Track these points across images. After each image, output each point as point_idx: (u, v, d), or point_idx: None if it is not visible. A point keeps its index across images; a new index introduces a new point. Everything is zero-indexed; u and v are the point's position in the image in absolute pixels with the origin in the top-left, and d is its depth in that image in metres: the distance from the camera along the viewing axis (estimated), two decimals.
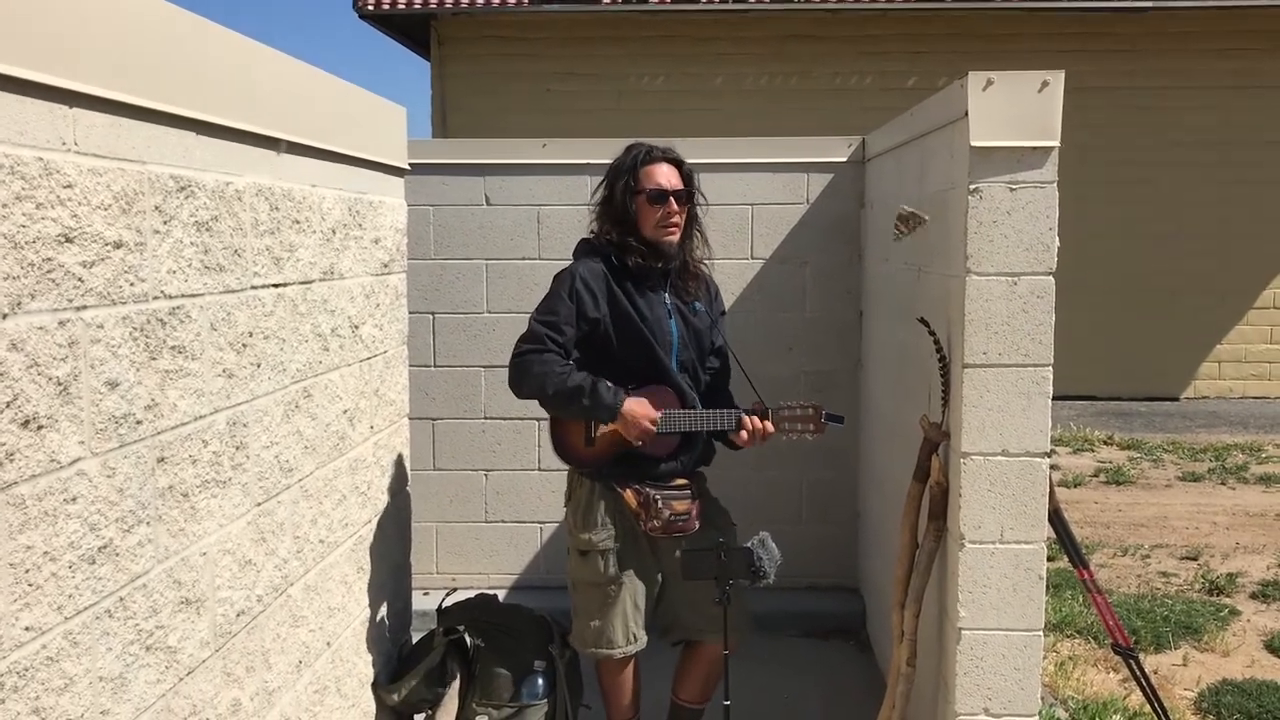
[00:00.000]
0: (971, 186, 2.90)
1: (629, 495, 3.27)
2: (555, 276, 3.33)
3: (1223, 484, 8.24)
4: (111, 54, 2.06)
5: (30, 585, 1.84)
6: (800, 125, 10.66)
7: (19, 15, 1.80)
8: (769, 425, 3.28)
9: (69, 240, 1.93)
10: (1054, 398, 2.99)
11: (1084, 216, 11.08)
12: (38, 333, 1.85)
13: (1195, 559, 6.34)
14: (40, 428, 1.86)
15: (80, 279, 1.96)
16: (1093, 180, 11.47)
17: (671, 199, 3.26)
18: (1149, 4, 11.36)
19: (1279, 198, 11.92)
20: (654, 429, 3.19)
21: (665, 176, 3.28)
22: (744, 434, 3.26)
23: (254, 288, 2.67)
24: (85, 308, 1.98)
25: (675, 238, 3.29)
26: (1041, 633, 3.04)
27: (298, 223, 2.94)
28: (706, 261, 3.50)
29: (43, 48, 1.85)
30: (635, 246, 3.27)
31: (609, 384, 3.18)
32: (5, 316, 1.77)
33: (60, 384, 1.91)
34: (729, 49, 12.15)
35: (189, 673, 2.37)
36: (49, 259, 1.88)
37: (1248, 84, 11.83)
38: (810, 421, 3.30)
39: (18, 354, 1.80)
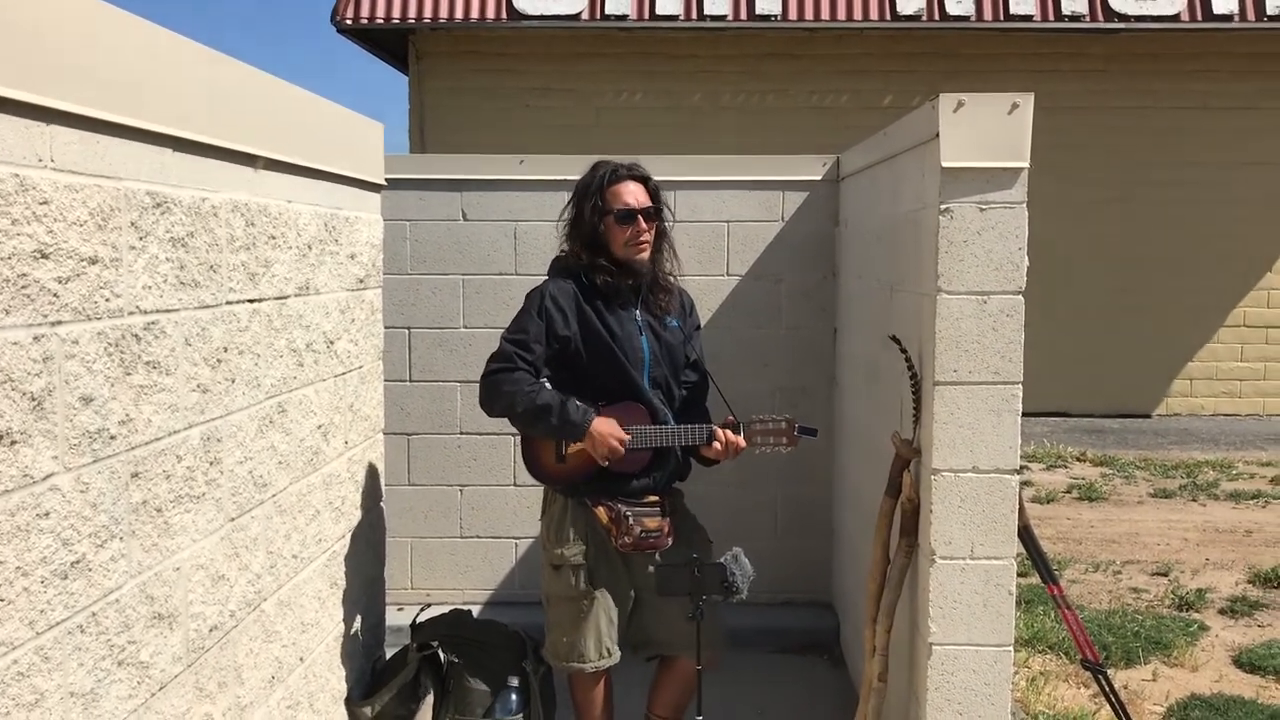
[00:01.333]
0: (942, 206, 2.94)
1: (600, 511, 3.28)
2: (527, 295, 3.35)
3: (1193, 500, 8.31)
4: (88, 71, 2.07)
5: (2, 600, 1.84)
6: (777, 143, 10.72)
7: None
8: (740, 439, 3.30)
9: (44, 256, 1.94)
10: (1027, 414, 3.03)
11: (1056, 235, 11.18)
12: (12, 348, 1.85)
13: (1166, 575, 6.40)
14: (13, 443, 1.86)
15: (55, 294, 1.97)
16: (1065, 199, 11.58)
17: (640, 217, 3.28)
18: (1120, 25, 11.50)
19: (1249, 217, 12.06)
20: (621, 450, 3.20)
21: (633, 195, 3.30)
22: (716, 446, 3.28)
23: (229, 303, 2.68)
24: (60, 323, 1.99)
25: (646, 255, 3.32)
26: (1012, 648, 3.07)
27: (273, 238, 2.95)
28: (681, 277, 3.52)
29: (19, 65, 1.86)
30: (605, 266, 3.29)
31: (578, 403, 3.20)
32: None
33: (34, 399, 1.91)
34: (706, 67, 12.22)
35: (161, 688, 2.37)
36: (24, 274, 1.88)
37: (1217, 105, 11.99)
38: (783, 435, 3.33)
39: None
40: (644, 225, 3.29)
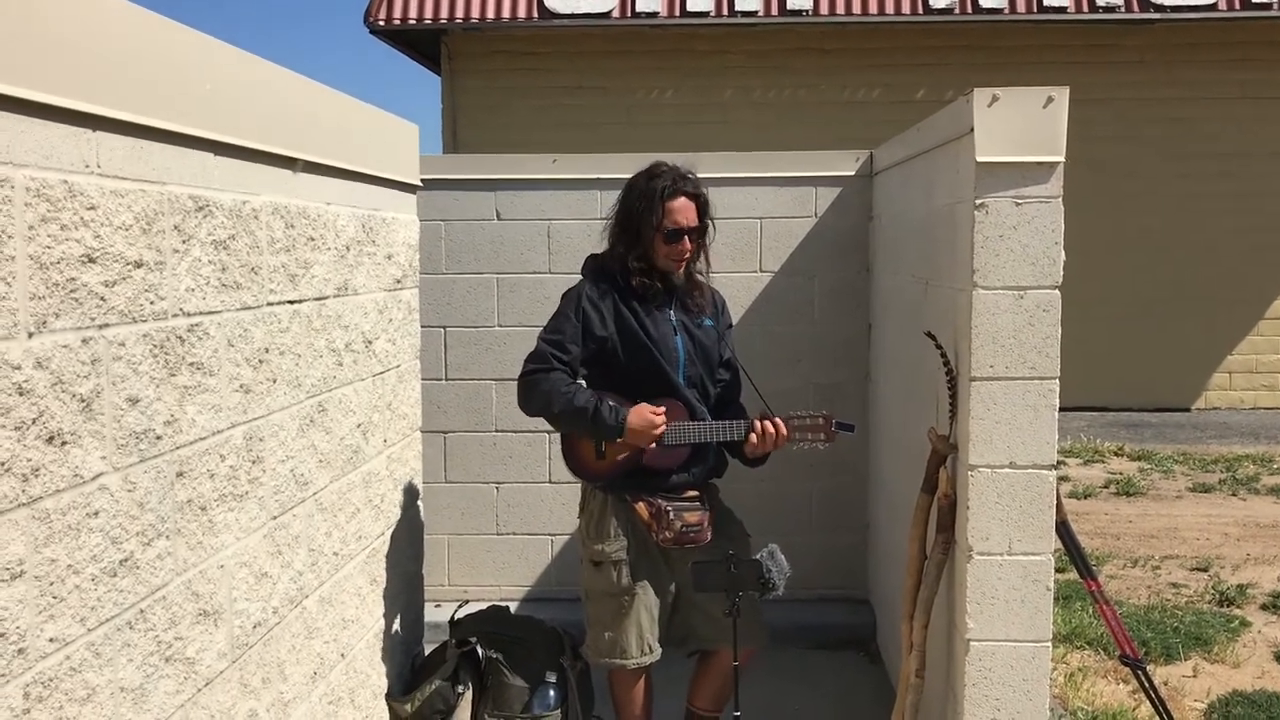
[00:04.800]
0: (978, 201, 2.93)
1: (641, 507, 3.30)
2: (563, 295, 3.37)
3: (1233, 495, 8.23)
4: (132, 78, 2.11)
5: (54, 598, 1.88)
6: (810, 138, 10.71)
7: (45, 42, 1.85)
8: (781, 426, 3.30)
9: (92, 260, 1.98)
10: (1065, 409, 3.01)
11: (1093, 229, 11.08)
12: (62, 351, 1.89)
13: (1206, 570, 6.34)
14: (64, 443, 1.90)
15: (102, 298, 2.01)
16: (1102, 192, 11.48)
17: (686, 238, 3.31)
18: (1155, 16, 11.39)
19: None
20: (663, 427, 3.22)
21: (684, 214, 3.31)
22: (753, 438, 3.28)
23: (270, 304, 2.72)
24: (107, 326, 2.03)
25: (682, 269, 3.36)
26: (1049, 644, 3.06)
27: (313, 240, 2.99)
28: (714, 274, 3.54)
29: (67, 73, 1.90)
30: (643, 269, 3.32)
31: (611, 404, 3.22)
32: (31, 335, 1.81)
33: (83, 400, 1.95)
34: (737, 62, 12.21)
35: (207, 683, 2.41)
36: (73, 279, 1.92)
37: (1256, 95, 11.84)
38: (821, 430, 3.33)
39: (43, 371, 1.84)
40: (688, 245, 3.33)
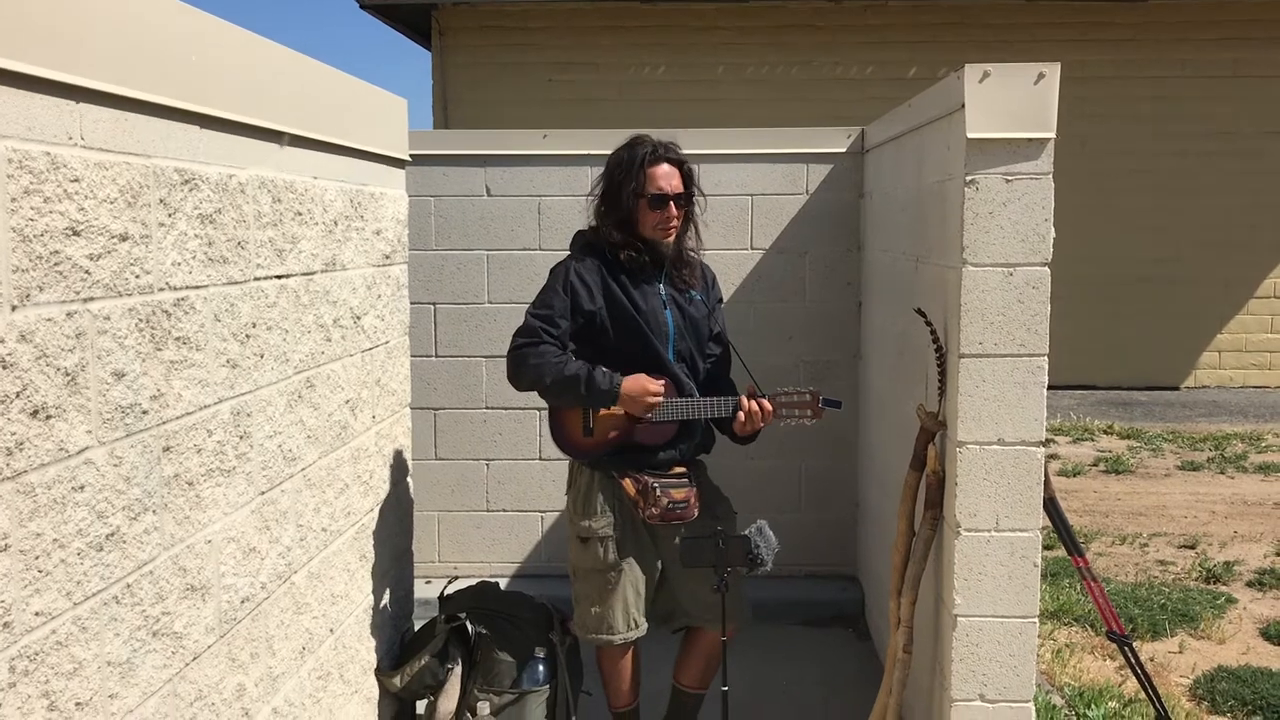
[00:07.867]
0: (968, 178, 2.93)
1: (627, 483, 3.30)
2: (551, 270, 3.36)
3: (1222, 473, 8.27)
4: (117, 50, 2.09)
5: (40, 571, 1.87)
6: (801, 115, 10.67)
7: (27, 12, 1.83)
8: (767, 405, 3.30)
9: (76, 233, 1.96)
10: (1054, 387, 3.01)
11: (1084, 206, 11.08)
12: (46, 324, 1.88)
13: (1193, 547, 6.38)
14: (49, 417, 1.89)
15: (87, 271, 2.00)
16: (1094, 170, 11.47)
17: (671, 204, 3.30)
18: None
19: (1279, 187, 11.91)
20: (660, 399, 3.22)
21: (666, 179, 3.31)
22: (741, 415, 3.28)
23: (257, 279, 2.70)
24: (92, 299, 2.01)
25: (672, 238, 3.34)
26: (1036, 619, 3.07)
27: (300, 214, 2.97)
28: (704, 251, 3.53)
29: (50, 44, 1.88)
30: (631, 242, 3.30)
31: (604, 370, 3.22)
32: (14, 308, 1.80)
33: (68, 374, 1.94)
34: (729, 39, 12.14)
35: (194, 658, 2.41)
36: (56, 252, 1.91)
37: (1248, 74, 11.82)
38: (808, 407, 3.33)
39: (27, 345, 1.83)
40: (674, 211, 3.31)
